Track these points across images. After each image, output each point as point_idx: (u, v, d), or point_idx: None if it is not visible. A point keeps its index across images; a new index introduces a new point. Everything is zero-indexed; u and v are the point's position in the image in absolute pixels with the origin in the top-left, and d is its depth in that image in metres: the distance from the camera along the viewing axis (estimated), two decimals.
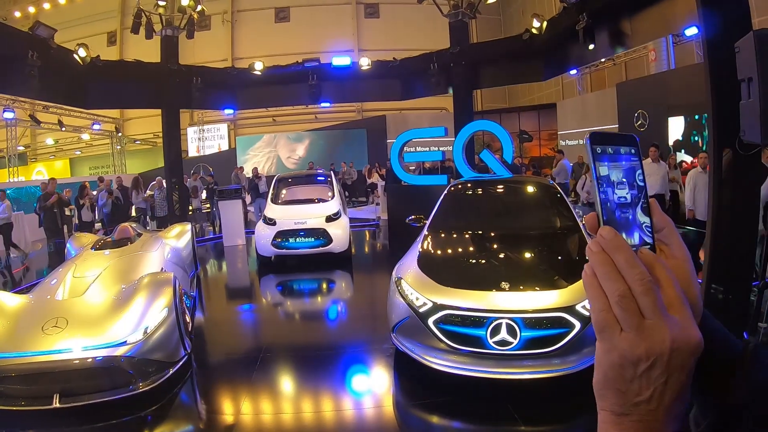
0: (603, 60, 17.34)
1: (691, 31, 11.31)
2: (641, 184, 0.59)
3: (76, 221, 12.44)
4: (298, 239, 9.16)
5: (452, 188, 6.48)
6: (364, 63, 14.40)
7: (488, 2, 15.31)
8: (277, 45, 24.67)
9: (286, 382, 5.09)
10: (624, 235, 0.56)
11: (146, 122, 25.69)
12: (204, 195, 15.77)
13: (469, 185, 6.74)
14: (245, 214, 13.76)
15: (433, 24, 18.48)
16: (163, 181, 13.51)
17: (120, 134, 27.35)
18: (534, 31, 11.84)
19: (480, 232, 5.45)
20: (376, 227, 14.04)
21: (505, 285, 4.21)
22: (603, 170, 0.58)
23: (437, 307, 4.20)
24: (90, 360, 4.19)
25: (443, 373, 4.15)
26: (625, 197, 0.58)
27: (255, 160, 23.62)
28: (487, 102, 26.59)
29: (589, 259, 0.55)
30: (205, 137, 27.08)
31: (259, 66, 14.13)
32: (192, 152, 26.54)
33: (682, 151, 13.56)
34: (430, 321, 4.19)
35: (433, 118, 22.03)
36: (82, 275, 5.37)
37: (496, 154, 9.29)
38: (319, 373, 4.99)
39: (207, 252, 12.23)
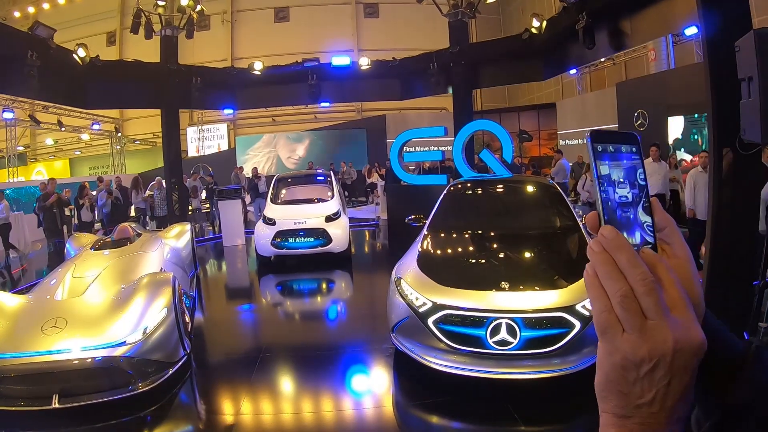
0: (603, 59, 17.32)
1: (691, 30, 11.31)
2: (642, 183, 0.58)
3: (76, 221, 12.43)
4: (297, 239, 9.16)
5: (452, 188, 6.47)
6: (364, 63, 14.39)
7: (488, 2, 15.31)
8: (276, 45, 24.65)
9: (286, 383, 5.08)
10: (625, 235, 0.55)
11: (146, 122, 25.68)
12: (203, 195, 15.75)
13: (468, 185, 6.74)
14: (245, 214, 13.75)
15: (432, 24, 18.47)
16: (163, 181, 13.50)
17: (119, 134, 27.33)
18: (534, 30, 11.83)
19: (480, 231, 5.45)
20: (376, 227, 14.04)
21: (504, 285, 4.21)
22: (604, 169, 0.57)
23: (437, 307, 4.19)
24: (89, 360, 4.18)
25: (443, 373, 4.14)
26: (626, 196, 0.57)
27: (255, 160, 23.61)
28: (487, 102, 26.58)
29: (591, 258, 0.55)
30: (205, 137, 27.07)
31: (258, 66, 14.12)
32: (192, 152, 26.52)
33: (682, 149, 13.56)
34: (430, 321, 4.19)
35: (432, 117, 22.02)
36: (81, 275, 5.36)
37: (496, 154, 9.29)
38: (318, 373, 4.98)
39: (207, 252, 12.23)
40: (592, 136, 0.57)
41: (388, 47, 20.71)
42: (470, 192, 6.57)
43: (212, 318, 7.19)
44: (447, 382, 4.17)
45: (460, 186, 6.60)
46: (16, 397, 4.15)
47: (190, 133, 26.85)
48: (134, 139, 28.07)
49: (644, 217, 0.57)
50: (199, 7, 13.54)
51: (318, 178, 11.18)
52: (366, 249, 12.28)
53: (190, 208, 14.49)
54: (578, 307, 3.95)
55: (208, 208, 15.29)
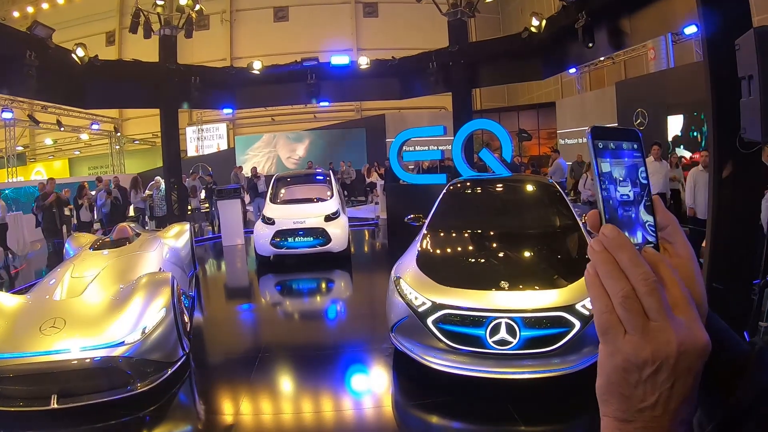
0: (602, 58, 17.32)
1: (691, 29, 11.29)
2: (644, 181, 0.57)
3: (75, 221, 12.41)
4: (297, 239, 9.14)
5: (451, 187, 6.46)
6: (363, 62, 14.38)
7: (486, 1, 15.30)
8: (275, 44, 24.63)
9: (285, 382, 5.07)
10: (627, 234, 0.54)
11: (145, 122, 25.66)
12: (203, 195, 15.74)
13: (468, 184, 6.73)
14: (244, 213, 13.74)
15: (431, 23, 18.45)
16: (162, 181, 13.49)
17: (119, 134, 27.30)
18: (533, 29, 11.82)
19: (479, 231, 5.44)
20: (375, 226, 14.03)
21: (504, 284, 4.20)
22: (605, 167, 0.55)
23: (436, 307, 4.18)
24: (88, 360, 4.17)
25: (442, 372, 4.13)
26: (627, 195, 0.56)
27: (255, 160, 23.60)
28: (486, 101, 26.58)
29: (592, 258, 0.53)
30: (204, 137, 27.05)
31: (257, 65, 14.10)
32: (191, 152, 26.50)
33: (681, 146, 13.56)
34: (429, 320, 4.18)
35: (432, 117, 22.01)
36: (80, 275, 5.35)
37: (495, 153, 9.28)
38: (318, 373, 4.97)
39: (206, 252, 12.22)
40: (593, 132, 0.56)
41: (387, 46, 20.70)
42: (469, 191, 6.56)
43: (211, 318, 7.18)
44: (446, 381, 4.16)
45: (459, 185, 6.59)
46: (14, 397, 4.14)
47: (190, 133, 26.83)
48: (133, 138, 28.05)
49: (646, 216, 0.56)
50: (198, 7, 13.53)
51: (317, 177, 11.16)
52: (365, 248, 12.27)
53: (189, 207, 14.48)
54: (578, 307, 3.94)
55: (207, 207, 15.28)
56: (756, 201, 4.80)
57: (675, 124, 13.84)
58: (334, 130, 24.43)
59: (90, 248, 6.40)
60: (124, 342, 4.30)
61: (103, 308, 4.68)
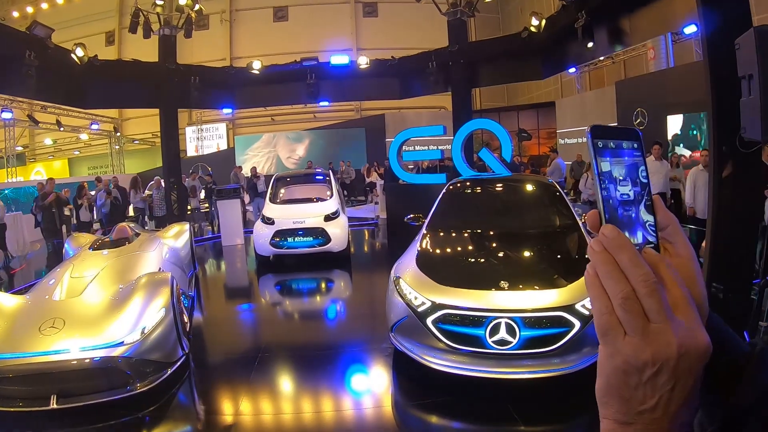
0: (602, 58, 17.31)
1: (690, 29, 11.28)
2: (644, 180, 0.56)
3: (75, 221, 12.41)
4: (296, 238, 9.14)
5: (451, 187, 6.46)
6: (363, 62, 14.37)
7: (486, 0, 15.28)
8: (275, 44, 24.63)
9: (285, 382, 5.07)
10: (627, 234, 0.54)
11: (145, 122, 25.66)
12: (202, 194, 15.74)
13: (467, 184, 6.72)
14: (244, 213, 13.74)
15: (431, 23, 18.43)
16: (162, 181, 13.48)
17: (118, 134, 27.29)
18: (533, 29, 11.81)
19: (479, 230, 5.43)
20: (375, 226, 14.03)
21: (504, 284, 4.19)
22: (605, 166, 0.55)
23: (436, 307, 4.18)
24: (87, 360, 4.16)
25: (442, 372, 4.13)
26: (627, 194, 0.55)
27: (255, 160, 23.60)
28: (486, 100, 26.57)
29: (591, 258, 0.53)
30: (204, 137, 27.04)
31: (257, 65, 14.09)
32: (191, 152, 26.49)
33: (681, 145, 13.56)
34: (429, 320, 4.17)
35: (431, 116, 22.01)
36: (79, 275, 5.34)
37: (495, 153, 9.28)
38: (317, 373, 4.97)
39: (206, 251, 12.21)
40: (593, 132, 0.55)
41: (387, 46, 20.70)
42: (469, 191, 6.55)
43: (211, 318, 7.17)
44: (446, 381, 4.15)
45: (459, 185, 6.58)
46: (14, 397, 4.14)
47: (189, 133, 26.82)
48: (133, 138, 28.04)
49: (646, 216, 0.56)
50: (197, 7, 13.51)
51: (317, 177, 11.15)
52: (365, 248, 12.27)
53: (189, 207, 14.48)
54: (578, 307, 3.94)
55: (207, 207, 15.28)
56: (756, 201, 4.80)
57: (675, 127, 13.85)
58: (334, 130, 24.43)
59: (89, 248, 6.39)
60: (123, 342, 4.30)
61: (102, 308, 4.67)
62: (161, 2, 13.24)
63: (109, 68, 13.14)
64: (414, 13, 22.03)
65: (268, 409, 4.46)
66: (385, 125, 23.11)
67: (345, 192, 16.39)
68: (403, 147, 10.98)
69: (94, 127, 23.61)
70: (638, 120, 14.95)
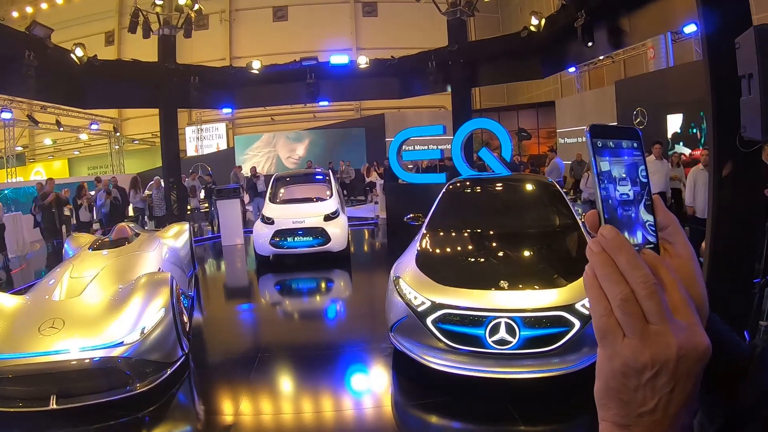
0: (602, 57, 17.31)
1: (690, 28, 11.27)
2: (644, 180, 0.56)
3: (74, 221, 12.40)
4: (296, 238, 9.14)
5: (450, 186, 6.45)
6: (362, 61, 14.36)
7: (486, 0, 15.26)
8: (275, 44, 24.63)
9: (285, 382, 5.07)
10: (626, 234, 0.53)
11: (144, 122, 25.66)
12: (202, 194, 15.73)
13: (467, 183, 6.72)
14: (243, 213, 13.74)
15: (431, 22, 18.43)
16: (161, 181, 13.47)
17: (118, 134, 27.29)
18: (532, 28, 11.80)
19: (479, 230, 5.43)
20: (375, 226, 14.02)
21: (504, 284, 4.19)
22: (604, 165, 0.54)
23: (435, 307, 4.17)
24: (87, 361, 4.16)
25: (442, 372, 4.12)
26: (627, 194, 0.55)
27: (255, 159, 23.60)
28: (486, 100, 26.57)
29: (590, 259, 0.52)
30: (204, 137, 27.04)
31: (256, 65, 14.09)
32: (190, 152, 26.50)
33: (681, 143, 13.55)
34: (429, 320, 4.17)
35: (431, 116, 22.00)
36: (79, 275, 5.34)
37: (495, 153, 9.27)
38: (317, 373, 4.97)
39: (205, 251, 12.21)
40: (592, 131, 0.55)
41: (386, 46, 20.70)
42: (469, 191, 6.55)
43: (211, 318, 7.17)
44: (446, 381, 4.15)
45: (458, 185, 6.58)
46: (14, 398, 4.14)
47: (189, 133, 26.82)
48: (133, 138, 28.04)
49: (646, 216, 0.55)
50: (197, 6, 13.51)
51: (316, 177, 11.15)
52: (365, 248, 12.27)
53: (188, 207, 14.47)
54: (578, 306, 3.93)
55: (206, 207, 15.28)
56: (756, 200, 4.79)
57: (675, 126, 13.85)
58: (334, 130, 24.43)
59: (89, 248, 6.39)
60: (123, 342, 4.29)
61: (102, 308, 4.67)
62: (161, 2, 13.23)
63: (109, 68, 13.14)
64: (414, 13, 22.03)
65: (268, 409, 4.46)
66: (384, 125, 23.11)
67: (345, 192, 16.39)
68: (403, 147, 10.97)
69: (94, 127, 23.61)
70: (638, 119, 14.95)
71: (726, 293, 4.52)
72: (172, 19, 13.83)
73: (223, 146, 26.60)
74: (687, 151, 13.00)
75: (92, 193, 12.94)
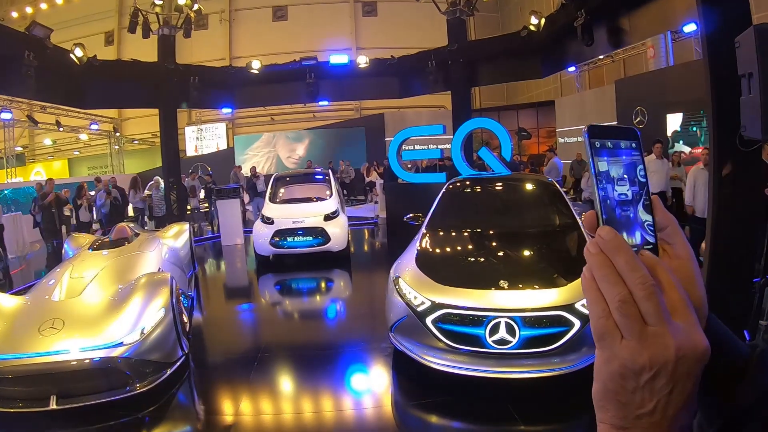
0: (601, 57, 17.29)
1: (690, 27, 11.26)
2: (643, 180, 0.56)
3: (74, 222, 12.40)
4: (296, 238, 9.13)
5: (450, 186, 6.45)
6: (362, 61, 14.35)
7: None
8: (274, 44, 24.62)
9: (285, 382, 5.07)
10: (625, 235, 0.53)
11: (144, 122, 25.66)
12: (202, 194, 15.73)
13: (467, 183, 6.71)
14: (243, 213, 13.73)
15: (430, 22, 18.43)
16: (161, 181, 13.46)
17: (118, 134, 27.29)
18: (532, 28, 11.79)
19: (478, 230, 5.43)
20: (375, 225, 14.02)
21: (503, 283, 4.19)
22: (602, 166, 0.54)
23: (435, 306, 4.17)
24: (87, 361, 4.16)
25: (442, 372, 4.12)
26: (625, 194, 0.55)
27: (255, 159, 23.59)
28: (486, 99, 26.56)
29: (588, 261, 0.52)
30: (203, 136, 27.02)
31: (256, 65, 14.08)
32: (190, 152, 26.48)
33: (681, 141, 13.55)
34: (429, 320, 4.17)
35: (431, 115, 21.99)
36: (79, 276, 5.34)
37: (495, 152, 9.27)
38: (317, 373, 4.97)
39: (205, 251, 12.21)
40: (590, 131, 0.55)
41: (386, 45, 20.69)
42: (469, 190, 6.54)
43: (211, 318, 7.17)
44: (446, 381, 4.15)
45: (458, 184, 6.58)
46: (13, 398, 4.14)
47: (189, 133, 26.80)
48: (133, 138, 28.04)
49: (645, 216, 0.55)
50: (196, 6, 13.51)
51: (316, 176, 11.15)
52: (365, 248, 12.27)
53: (188, 207, 14.47)
54: (578, 306, 3.93)
55: (206, 207, 15.27)
56: (756, 200, 4.78)
57: (674, 120, 13.85)
58: (334, 130, 24.42)
59: (89, 248, 6.39)
60: (123, 342, 4.29)
61: (102, 309, 4.67)
62: (160, 2, 13.22)
63: (109, 68, 13.12)
64: (413, 13, 22.04)
65: (268, 409, 4.46)
66: (384, 124, 23.10)
67: (344, 191, 16.39)
68: (403, 146, 10.96)
69: (94, 127, 23.60)
70: (638, 119, 14.94)
71: (726, 293, 4.52)
72: (172, 19, 13.81)
73: (223, 146, 26.59)
74: (687, 149, 13.00)
75: (92, 193, 12.94)
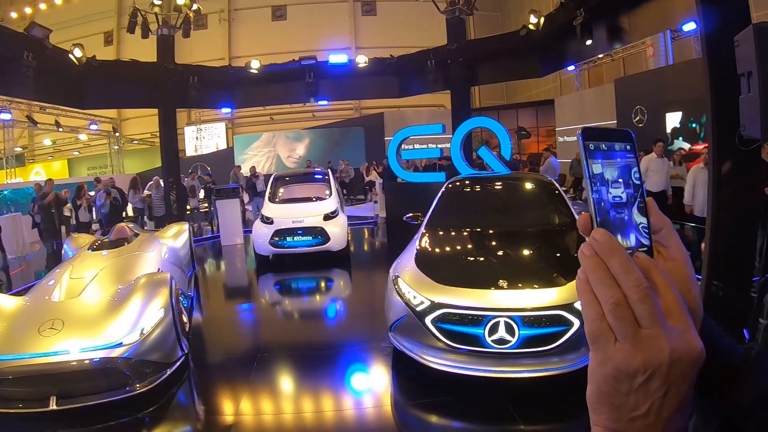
0: (601, 56, 17.30)
1: (689, 26, 11.28)
2: (637, 182, 0.55)
3: (74, 222, 12.40)
4: (295, 238, 9.13)
5: (450, 185, 6.45)
6: (361, 60, 14.34)
7: None
8: (274, 43, 24.63)
9: (284, 382, 5.07)
10: (620, 237, 0.53)
11: (144, 122, 25.67)
12: (202, 194, 15.72)
13: (466, 182, 6.71)
14: (243, 213, 13.73)
15: (430, 21, 18.43)
16: (161, 181, 13.46)
17: (117, 134, 27.29)
18: (531, 27, 11.79)
19: (478, 229, 5.43)
20: (374, 225, 14.02)
21: (503, 283, 4.19)
22: (596, 168, 0.54)
23: (435, 306, 4.17)
24: (87, 361, 4.16)
25: (441, 372, 4.12)
26: (620, 196, 0.54)
27: (254, 159, 23.60)
28: (485, 99, 26.57)
29: (582, 263, 0.52)
30: (203, 136, 27.02)
31: (255, 64, 14.07)
32: (190, 151, 26.49)
33: (680, 138, 13.55)
34: (428, 320, 4.16)
35: (431, 115, 21.99)
36: (78, 276, 5.34)
37: (494, 151, 9.27)
38: (317, 373, 4.97)
39: (205, 251, 12.20)
40: (584, 134, 0.55)
41: (385, 45, 20.68)
42: (468, 189, 6.54)
43: (210, 318, 7.17)
44: (445, 381, 4.15)
45: (458, 183, 6.57)
46: (13, 399, 4.14)
47: (188, 133, 26.81)
48: (132, 138, 28.04)
49: (639, 219, 0.55)
50: (195, 6, 13.50)
51: (316, 176, 11.14)
52: (364, 247, 12.27)
53: (188, 207, 14.47)
54: (577, 305, 3.92)
55: (206, 207, 15.27)
56: (756, 199, 4.78)
57: (674, 121, 13.86)
58: (333, 129, 24.43)
59: (89, 249, 6.39)
60: (122, 343, 4.30)
61: (101, 309, 4.67)
62: (159, 2, 13.21)
63: (108, 68, 13.12)
64: (413, 12, 22.05)
65: (267, 409, 4.46)
66: (384, 124, 23.11)
67: (344, 191, 16.39)
68: (403, 145, 10.96)
69: (93, 127, 23.60)
70: (637, 117, 14.95)
71: (726, 292, 4.51)
72: (171, 19, 13.80)
73: (223, 146, 26.59)
74: (687, 146, 13.00)
75: (92, 193, 12.93)
